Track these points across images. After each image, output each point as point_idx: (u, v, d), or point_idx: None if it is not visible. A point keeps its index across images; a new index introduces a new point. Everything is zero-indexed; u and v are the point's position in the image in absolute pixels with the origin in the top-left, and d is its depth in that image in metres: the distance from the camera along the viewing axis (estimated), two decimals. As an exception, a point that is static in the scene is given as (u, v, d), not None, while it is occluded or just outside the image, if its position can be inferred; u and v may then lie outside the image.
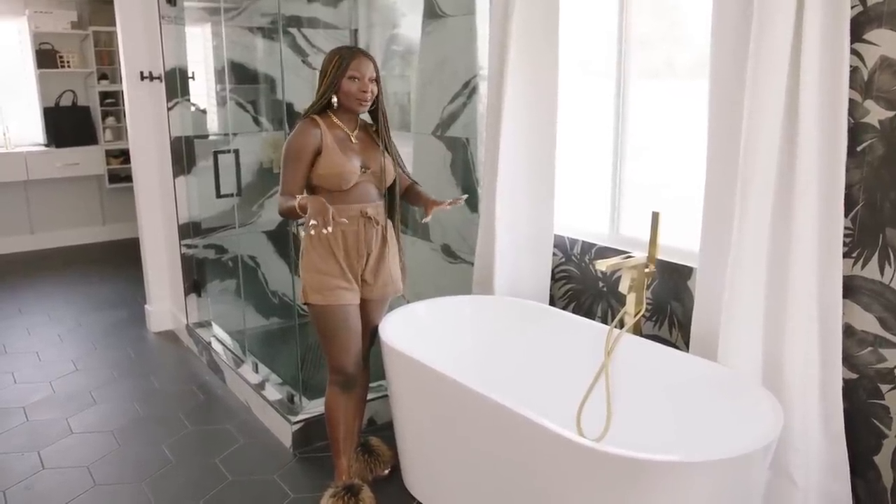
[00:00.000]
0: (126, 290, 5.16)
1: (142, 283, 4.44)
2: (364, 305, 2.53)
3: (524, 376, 2.73)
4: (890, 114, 1.91)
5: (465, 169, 3.43)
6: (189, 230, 4.11)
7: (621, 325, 2.46)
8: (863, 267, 2.02)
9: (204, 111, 4.11)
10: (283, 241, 4.24)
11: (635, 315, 2.49)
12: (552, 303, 3.01)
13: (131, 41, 3.97)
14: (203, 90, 4.08)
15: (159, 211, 4.24)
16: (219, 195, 3.91)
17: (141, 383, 3.64)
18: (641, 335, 2.57)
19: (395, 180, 2.51)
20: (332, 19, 4.16)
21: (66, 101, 6.30)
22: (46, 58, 6.07)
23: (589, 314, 2.88)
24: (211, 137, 4.11)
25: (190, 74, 3.98)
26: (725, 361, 2.16)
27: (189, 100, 3.99)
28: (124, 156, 6.25)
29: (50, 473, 2.81)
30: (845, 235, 2.04)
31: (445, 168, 3.53)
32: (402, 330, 2.58)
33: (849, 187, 2.00)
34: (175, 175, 4.02)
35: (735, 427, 2.03)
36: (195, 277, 4.18)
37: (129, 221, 6.14)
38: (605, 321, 2.79)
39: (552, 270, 2.98)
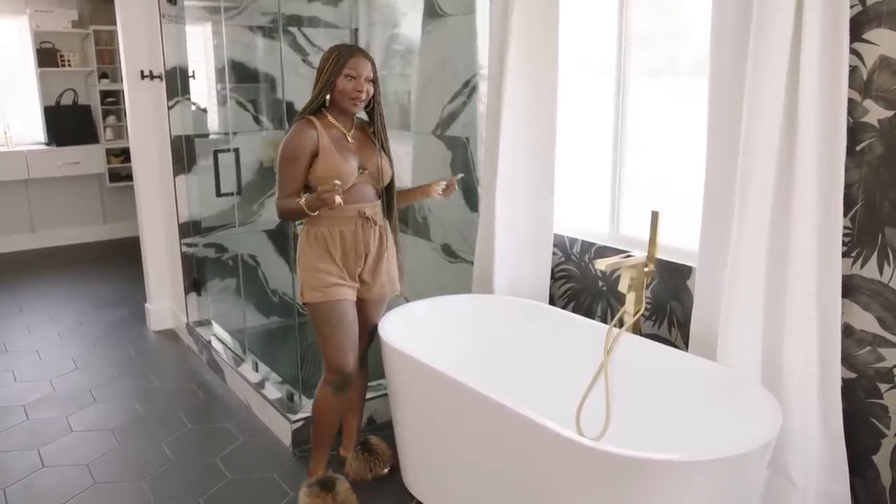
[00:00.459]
0: (126, 288, 5.17)
1: (142, 282, 4.45)
2: (362, 305, 2.53)
3: (524, 375, 2.73)
4: (889, 113, 1.91)
5: (465, 168, 3.43)
6: (189, 229, 4.11)
7: (621, 324, 2.47)
8: (862, 266, 2.03)
9: (204, 110, 4.12)
10: (283, 240, 4.24)
11: (635, 314, 2.49)
12: (552, 302, 3.01)
13: (132, 40, 3.98)
14: (203, 89, 4.08)
15: (160, 210, 4.24)
16: (219, 194, 3.91)
17: (141, 382, 3.64)
18: (641, 334, 2.57)
19: (391, 180, 2.51)
20: (333, 18, 4.16)
21: (66, 100, 6.30)
22: (47, 57, 6.08)
23: (588, 313, 2.88)
24: (211, 136, 4.11)
25: (190, 73, 3.98)
26: (724, 361, 2.16)
27: (189, 99, 3.99)
28: (125, 154, 6.26)
29: (50, 472, 2.81)
30: (844, 235, 2.04)
31: (445, 167, 3.54)
32: (401, 329, 2.58)
33: (848, 187, 2.00)
34: (175, 174, 4.02)
35: (734, 426, 2.03)
36: (195, 276, 4.18)
37: (129, 220, 6.14)
38: (604, 320, 2.79)
39: (552, 270, 2.98)
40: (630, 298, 2.49)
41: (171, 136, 3.97)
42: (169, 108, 3.95)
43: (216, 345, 3.80)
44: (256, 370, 3.44)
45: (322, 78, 2.35)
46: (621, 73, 2.72)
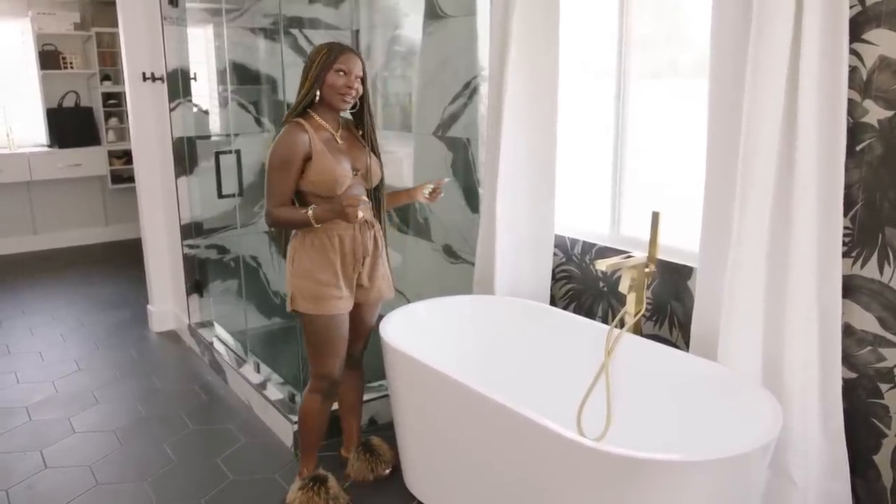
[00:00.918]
0: (128, 290, 5.18)
1: (144, 284, 4.46)
2: (359, 309, 2.52)
3: (525, 376, 2.73)
4: (889, 113, 1.92)
5: (466, 169, 3.44)
6: (191, 230, 4.12)
7: (621, 324, 2.47)
8: (862, 266, 2.03)
9: (206, 112, 4.12)
10: (284, 241, 4.24)
11: (635, 315, 2.49)
12: (553, 303, 3.01)
13: (134, 42, 3.99)
14: (205, 91, 4.09)
15: (161, 211, 4.25)
16: (220, 195, 3.91)
17: (143, 383, 3.65)
18: (642, 335, 2.57)
19: (381, 181, 2.50)
20: (334, 20, 4.17)
21: (69, 102, 6.31)
22: (49, 59, 6.10)
23: (589, 314, 2.88)
24: (213, 138, 4.12)
25: (192, 75, 3.99)
26: (725, 361, 2.16)
27: (191, 100, 4.00)
28: (127, 156, 6.27)
29: (52, 473, 2.82)
30: (844, 235, 2.04)
31: (446, 168, 3.54)
32: (402, 330, 2.58)
33: (848, 187, 2.01)
34: (177, 175, 4.03)
35: (735, 427, 2.03)
36: (197, 278, 4.19)
37: (131, 222, 6.16)
38: (605, 321, 2.79)
39: (553, 270, 2.98)
40: (631, 299, 2.49)
41: (172, 138, 3.98)
42: (171, 109, 3.96)
43: (218, 346, 3.81)
44: (258, 371, 3.44)
45: (311, 74, 2.28)
46: (622, 75, 2.73)
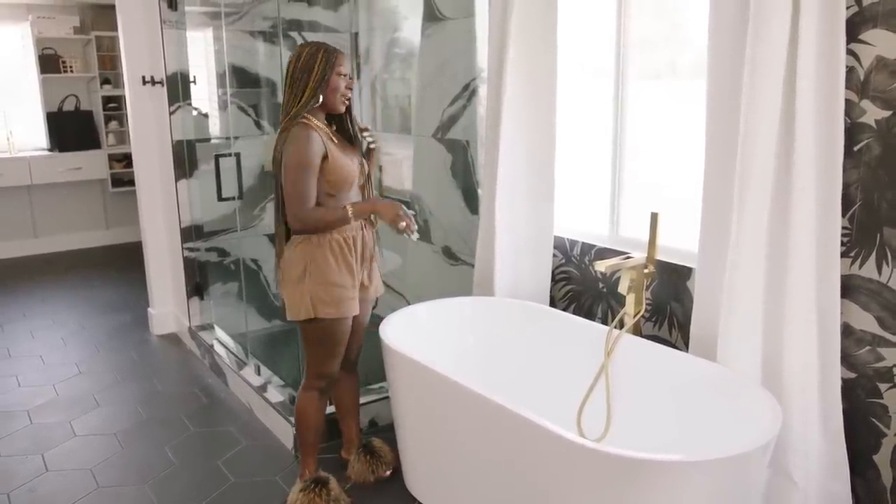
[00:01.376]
0: (129, 293, 5.18)
1: (144, 287, 4.46)
2: (360, 306, 2.54)
3: (525, 377, 2.74)
4: (886, 113, 1.92)
5: (465, 171, 3.45)
6: (191, 233, 4.13)
7: (621, 325, 2.47)
8: (860, 266, 2.03)
9: (205, 115, 4.13)
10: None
11: (635, 316, 2.49)
12: (552, 304, 3.02)
13: (133, 46, 3.99)
14: (204, 94, 4.10)
15: (161, 214, 4.26)
16: (220, 198, 3.92)
17: (144, 386, 3.65)
18: (641, 336, 2.58)
19: (369, 177, 2.53)
20: (333, 23, 4.18)
21: (69, 106, 6.32)
22: (49, 63, 6.11)
23: (589, 315, 2.89)
24: (212, 141, 4.13)
25: (191, 78, 4.00)
26: (725, 361, 2.17)
27: (190, 104, 4.01)
28: (127, 160, 6.28)
29: (53, 476, 2.83)
30: (843, 235, 2.04)
31: (446, 170, 3.55)
32: (403, 332, 2.59)
33: (846, 187, 2.01)
34: (177, 179, 4.03)
35: (734, 427, 2.04)
36: (197, 280, 4.19)
37: (132, 225, 6.18)
38: (605, 322, 2.80)
39: (552, 272, 2.98)
40: (630, 300, 2.50)
41: (172, 141, 3.99)
42: (170, 113, 3.96)
43: (218, 349, 3.81)
44: (258, 374, 3.45)
45: (316, 75, 2.27)
46: (619, 76, 2.73)
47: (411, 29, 3.74)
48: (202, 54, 4.12)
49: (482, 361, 2.80)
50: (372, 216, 2.45)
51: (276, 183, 2.35)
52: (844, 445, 2.06)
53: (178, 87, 3.96)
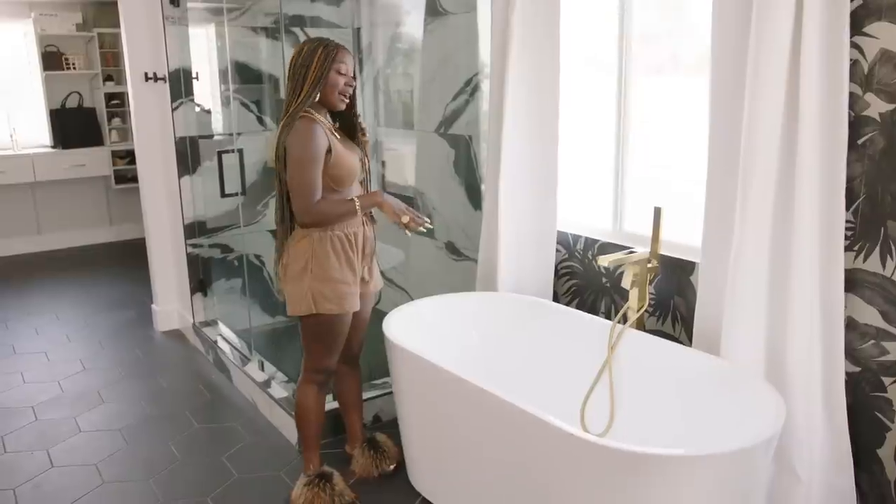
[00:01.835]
0: (133, 290, 5.19)
1: (148, 283, 4.47)
2: (361, 300, 2.53)
3: (528, 372, 2.74)
4: (890, 107, 1.91)
5: (467, 166, 3.44)
6: (194, 230, 4.13)
7: (624, 320, 2.47)
8: (864, 260, 2.03)
9: (208, 111, 4.13)
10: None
11: (638, 310, 2.49)
12: (556, 299, 3.02)
13: (136, 42, 3.99)
14: (207, 90, 4.10)
15: (165, 211, 4.26)
16: (223, 195, 3.93)
17: (148, 382, 3.66)
18: (645, 330, 2.58)
19: (368, 172, 2.53)
20: (335, 18, 4.17)
21: (71, 103, 6.33)
22: (52, 60, 6.11)
23: (592, 310, 2.89)
24: (215, 137, 4.13)
25: (194, 75, 4.00)
26: (728, 356, 2.17)
27: (193, 100, 4.01)
28: (130, 156, 6.29)
29: (58, 472, 2.84)
30: (847, 229, 2.04)
31: (448, 165, 3.54)
32: (406, 327, 2.59)
33: (850, 181, 2.00)
34: (180, 175, 4.04)
35: (738, 421, 2.03)
36: (201, 277, 4.20)
37: (135, 222, 6.16)
38: (608, 317, 2.80)
39: (556, 267, 2.98)
40: (633, 294, 2.49)
41: (175, 138, 3.99)
42: (173, 109, 3.97)
43: (222, 345, 3.82)
44: (262, 369, 3.45)
45: (314, 72, 2.26)
46: (623, 71, 2.73)
47: (413, 24, 3.74)
48: (204, 50, 4.12)
49: (485, 357, 2.80)
50: (372, 211, 2.45)
51: (278, 178, 2.35)
52: (848, 440, 2.06)
53: (180, 84, 3.96)
